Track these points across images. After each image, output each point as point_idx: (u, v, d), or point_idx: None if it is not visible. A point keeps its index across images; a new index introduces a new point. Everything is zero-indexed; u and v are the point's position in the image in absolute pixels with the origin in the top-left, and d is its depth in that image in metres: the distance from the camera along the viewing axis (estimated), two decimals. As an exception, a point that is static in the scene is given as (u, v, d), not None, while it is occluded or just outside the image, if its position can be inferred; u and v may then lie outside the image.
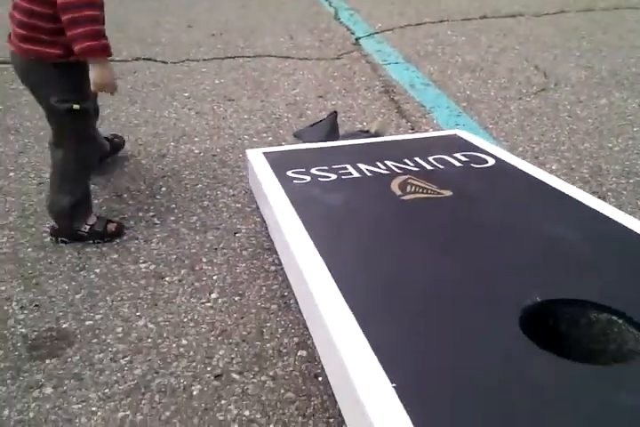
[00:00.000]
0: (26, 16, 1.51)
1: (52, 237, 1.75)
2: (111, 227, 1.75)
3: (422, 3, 3.91)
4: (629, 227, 1.35)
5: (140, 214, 1.87)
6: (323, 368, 1.26)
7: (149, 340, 1.39)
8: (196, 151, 2.23)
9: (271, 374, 1.30)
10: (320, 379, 1.27)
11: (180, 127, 2.40)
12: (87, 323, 1.44)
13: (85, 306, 1.50)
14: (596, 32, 3.39)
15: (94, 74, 1.51)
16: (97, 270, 1.62)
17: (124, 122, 2.43)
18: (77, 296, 1.53)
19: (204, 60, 3.06)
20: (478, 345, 1.01)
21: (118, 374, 1.30)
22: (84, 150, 1.69)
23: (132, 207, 1.91)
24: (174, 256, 1.68)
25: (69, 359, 1.34)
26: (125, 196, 1.96)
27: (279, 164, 1.79)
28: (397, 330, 1.05)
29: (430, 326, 1.06)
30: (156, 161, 2.17)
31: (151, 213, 1.88)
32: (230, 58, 3.08)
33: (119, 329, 1.43)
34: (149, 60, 3.04)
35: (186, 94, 2.68)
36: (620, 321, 1.08)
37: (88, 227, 1.73)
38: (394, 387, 0.90)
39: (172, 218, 1.86)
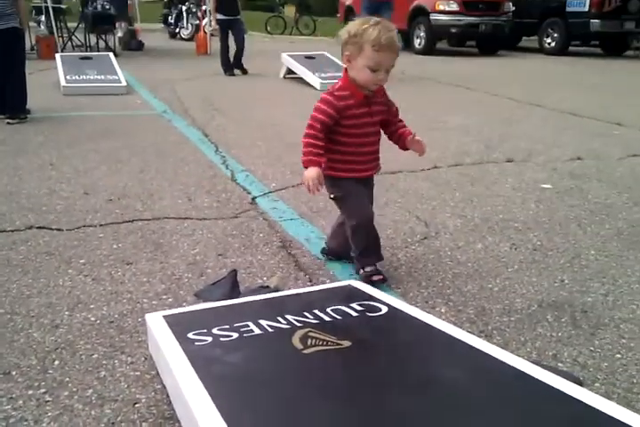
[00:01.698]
0: None
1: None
2: (376, 278, 2.39)
3: (310, 164, 4.26)
4: (514, 366, 1.45)
5: (30, 392, 1.75)
6: None
7: None
8: (92, 319, 2.17)
9: None
10: None
11: (75, 295, 2.35)
12: None
13: None
14: (465, 184, 3.81)
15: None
16: (-24, 462, 1.47)
17: (15, 294, 2.35)
18: None
19: (101, 225, 3.08)
20: None
21: None
22: (351, 222, 2.46)
23: (20, 385, 1.78)
24: (67, 436, 1.56)
25: None
26: (14, 373, 1.84)
27: (179, 326, 1.78)
28: None
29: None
30: (49, 332, 2.08)
31: (42, 390, 1.76)
32: (128, 222, 3.13)
33: None
34: (43, 228, 3.03)
35: (82, 261, 2.66)
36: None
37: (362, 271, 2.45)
38: None
39: (66, 393, 1.75)
